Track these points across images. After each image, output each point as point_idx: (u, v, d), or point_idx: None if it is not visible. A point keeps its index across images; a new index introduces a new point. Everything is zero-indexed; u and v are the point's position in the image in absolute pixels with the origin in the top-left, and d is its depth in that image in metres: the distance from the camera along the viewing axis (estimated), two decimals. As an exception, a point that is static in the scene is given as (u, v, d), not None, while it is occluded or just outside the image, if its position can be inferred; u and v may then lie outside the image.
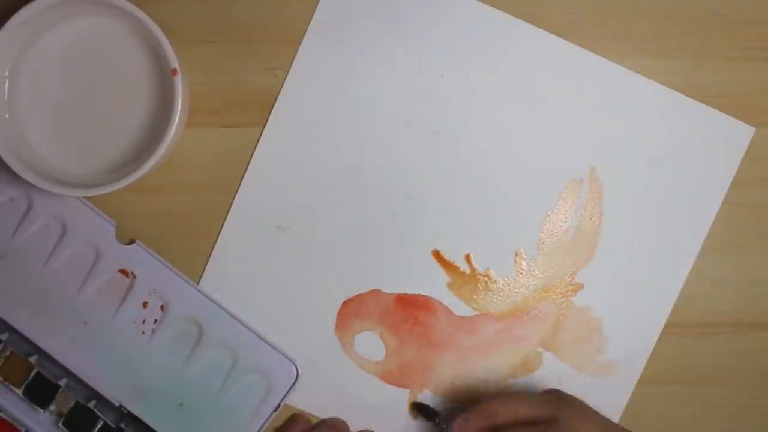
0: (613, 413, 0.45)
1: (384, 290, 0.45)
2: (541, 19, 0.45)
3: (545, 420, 0.39)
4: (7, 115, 0.42)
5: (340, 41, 0.45)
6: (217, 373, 0.45)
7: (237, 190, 0.45)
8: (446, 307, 0.45)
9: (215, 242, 0.46)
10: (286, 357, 0.45)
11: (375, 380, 0.45)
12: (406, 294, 0.45)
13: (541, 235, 0.45)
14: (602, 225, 0.45)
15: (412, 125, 0.45)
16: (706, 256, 0.45)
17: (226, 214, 0.45)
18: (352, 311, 0.46)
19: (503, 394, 0.44)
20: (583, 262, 0.45)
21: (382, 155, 0.45)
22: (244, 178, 0.45)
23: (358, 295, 0.45)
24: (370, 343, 0.45)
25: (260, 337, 0.45)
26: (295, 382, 0.45)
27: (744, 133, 0.45)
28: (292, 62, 0.45)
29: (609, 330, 0.45)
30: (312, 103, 0.45)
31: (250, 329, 0.45)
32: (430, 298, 0.45)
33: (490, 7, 0.45)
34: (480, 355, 0.46)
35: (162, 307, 0.45)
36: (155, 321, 0.45)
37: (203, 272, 0.46)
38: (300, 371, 0.45)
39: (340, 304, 0.45)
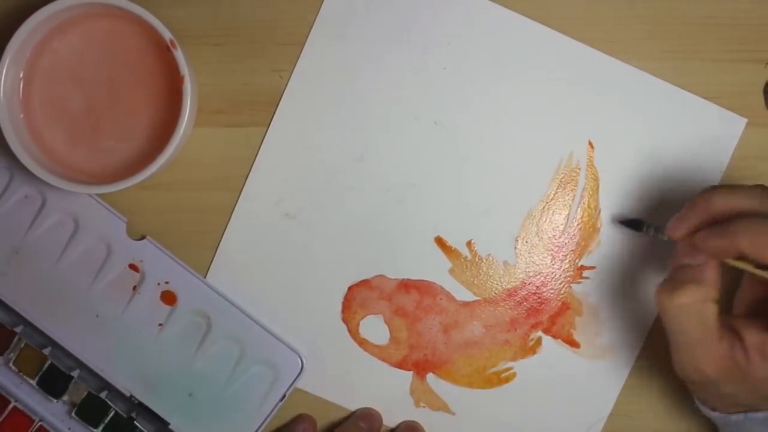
0: (611, 396, 0.46)
1: (388, 276, 0.46)
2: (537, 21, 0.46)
3: None
4: (22, 116, 0.43)
5: (344, 37, 0.46)
6: (225, 365, 0.46)
7: (245, 181, 0.46)
8: (448, 292, 0.46)
9: (224, 232, 0.46)
10: (292, 349, 0.46)
11: (379, 364, 0.46)
12: (410, 279, 0.46)
13: (541, 222, 0.46)
14: (599, 214, 0.46)
15: (415, 116, 0.46)
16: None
17: (235, 203, 0.46)
18: (358, 296, 0.46)
19: (719, 185, 0.39)
20: (581, 250, 0.46)
21: (387, 145, 0.46)
22: (253, 167, 0.46)
23: (363, 280, 0.46)
24: (375, 327, 0.46)
25: (266, 330, 0.46)
26: (300, 372, 0.45)
27: (737, 124, 0.45)
28: (296, 61, 0.46)
29: (606, 315, 0.46)
30: (318, 95, 0.46)
31: (256, 322, 0.46)
32: (433, 283, 0.46)
33: (490, 2, 0.46)
34: (481, 339, 0.46)
35: (171, 301, 0.46)
36: (165, 314, 0.46)
37: (212, 259, 0.46)
38: (305, 362, 0.46)
39: (345, 289, 0.46)
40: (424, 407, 0.47)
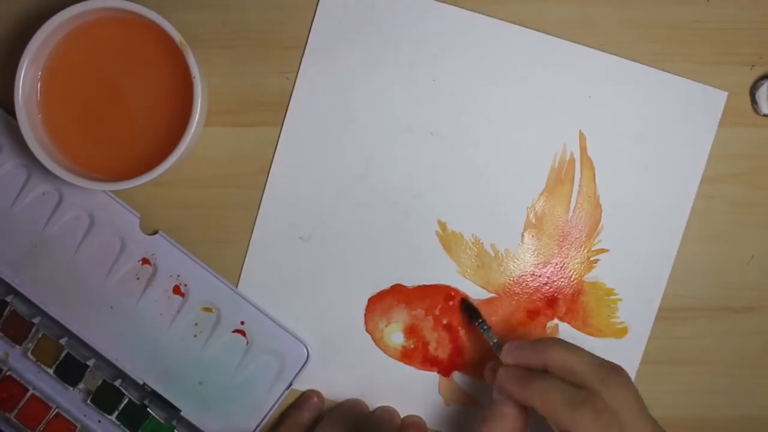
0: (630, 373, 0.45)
1: (405, 284, 0.47)
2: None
3: (589, 388, 0.38)
4: (39, 116, 0.44)
5: (334, 60, 0.47)
6: (233, 354, 0.47)
7: (259, 209, 0.47)
8: (464, 293, 0.47)
9: (246, 253, 0.47)
10: (298, 339, 0.46)
11: (407, 368, 0.48)
12: (426, 285, 0.47)
13: (544, 215, 0.47)
14: (599, 201, 0.47)
15: (411, 129, 0.47)
16: (686, 246, 0.47)
17: (252, 231, 0.47)
18: (378, 307, 0.47)
19: (560, 340, 0.42)
20: (586, 237, 0.47)
21: (388, 160, 0.47)
22: (264, 194, 0.47)
23: (382, 291, 0.47)
24: (398, 334, 0.47)
25: (273, 321, 0.47)
26: (305, 362, 0.46)
27: (718, 98, 0.46)
28: (297, 71, 0.47)
29: (616, 296, 0.47)
30: (316, 120, 0.47)
31: (263, 313, 0.47)
32: (449, 285, 0.47)
33: (469, 12, 0.47)
34: (501, 333, 0.47)
35: (183, 293, 0.47)
36: (176, 306, 0.47)
37: (238, 281, 0.48)
38: (310, 352, 0.47)
39: (365, 302, 0.48)
40: (453, 404, 0.48)
